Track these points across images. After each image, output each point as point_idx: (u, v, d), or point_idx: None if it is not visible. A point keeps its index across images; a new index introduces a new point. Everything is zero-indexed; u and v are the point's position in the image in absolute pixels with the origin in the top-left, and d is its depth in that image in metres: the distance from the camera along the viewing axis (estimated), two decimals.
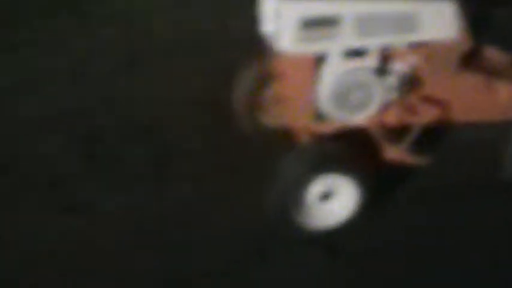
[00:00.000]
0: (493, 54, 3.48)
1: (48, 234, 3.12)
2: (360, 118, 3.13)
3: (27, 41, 5.01)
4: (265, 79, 3.51)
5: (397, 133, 3.18)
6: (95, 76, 4.56)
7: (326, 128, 3.17)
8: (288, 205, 2.93)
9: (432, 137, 3.56)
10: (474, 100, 3.33)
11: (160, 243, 3.09)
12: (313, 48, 2.87)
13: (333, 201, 3.07)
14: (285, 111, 3.29)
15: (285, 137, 3.40)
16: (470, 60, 3.31)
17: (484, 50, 3.50)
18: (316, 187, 2.99)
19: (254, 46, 3.45)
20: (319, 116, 3.14)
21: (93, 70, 4.63)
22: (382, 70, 3.05)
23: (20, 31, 5.17)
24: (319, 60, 2.98)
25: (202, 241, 3.10)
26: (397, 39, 2.97)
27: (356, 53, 2.96)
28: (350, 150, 3.01)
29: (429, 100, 3.23)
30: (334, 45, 2.89)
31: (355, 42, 2.90)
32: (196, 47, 4.93)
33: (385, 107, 3.17)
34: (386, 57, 3.05)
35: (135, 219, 3.23)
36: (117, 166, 3.60)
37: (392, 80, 3.09)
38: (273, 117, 3.69)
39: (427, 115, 3.26)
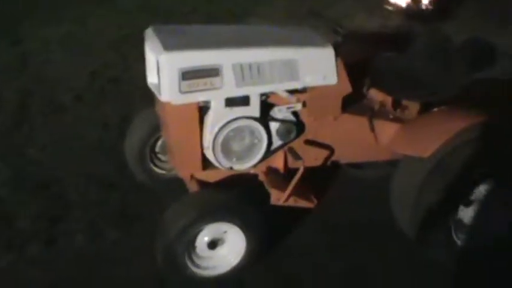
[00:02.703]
0: (375, 94, 3.58)
1: None
2: (246, 165, 3.16)
3: None
4: (157, 128, 3.50)
5: (285, 178, 3.21)
6: None
7: (214, 177, 3.20)
8: (176, 254, 2.92)
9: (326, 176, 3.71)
10: (358, 141, 3.41)
11: None
12: (193, 98, 2.88)
13: (222, 248, 3.09)
14: (173, 160, 3.28)
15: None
16: (352, 103, 3.40)
17: (366, 91, 3.60)
18: (203, 236, 3.00)
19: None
20: (207, 165, 3.15)
21: None
22: (264, 117, 3.10)
23: None
24: (203, 109, 3.00)
25: None
26: (278, 87, 3.03)
27: (239, 102, 2.99)
28: (236, 198, 3.03)
29: (313, 144, 3.29)
30: (215, 95, 2.92)
31: (236, 91, 2.93)
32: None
33: (271, 153, 3.21)
34: (268, 104, 3.11)
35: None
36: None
37: (275, 127, 3.14)
38: (165, 166, 3.72)
39: (311, 159, 3.32)
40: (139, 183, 3.77)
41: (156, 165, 3.74)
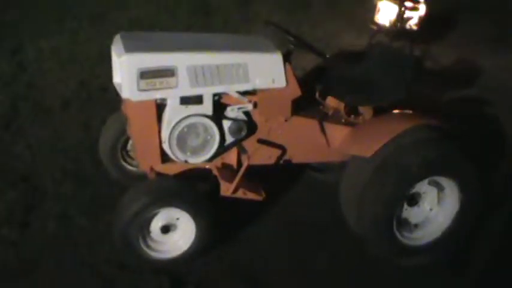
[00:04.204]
0: (330, 101, 3.86)
1: None
2: (200, 159, 3.44)
3: None
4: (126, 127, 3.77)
5: (236, 173, 3.47)
6: None
7: (172, 170, 3.47)
8: (130, 236, 3.20)
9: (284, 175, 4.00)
10: (309, 143, 3.68)
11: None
12: (151, 96, 3.18)
13: (175, 234, 3.36)
14: (135, 154, 3.56)
15: None
16: (307, 108, 3.68)
17: (322, 98, 3.88)
18: (157, 221, 3.28)
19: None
20: (166, 158, 3.43)
21: None
22: (217, 116, 3.37)
23: None
24: (161, 107, 3.29)
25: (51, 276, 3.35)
26: (229, 88, 3.32)
27: (193, 100, 3.28)
28: (186, 186, 3.31)
29: (266, 143, 3.56)
30: (170, 93, 3.21)
31: (190, 91, 3.22)
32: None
33: (225, 149, 3.49)
34: (221, 104, 3.39)
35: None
36: None
37: (227, 124, 3.42)
38: (136, 163, 3.99)
39: (265, 157, 3.59)
40: (112, 180, 4.04)
41: (127, 162, 4.01)
